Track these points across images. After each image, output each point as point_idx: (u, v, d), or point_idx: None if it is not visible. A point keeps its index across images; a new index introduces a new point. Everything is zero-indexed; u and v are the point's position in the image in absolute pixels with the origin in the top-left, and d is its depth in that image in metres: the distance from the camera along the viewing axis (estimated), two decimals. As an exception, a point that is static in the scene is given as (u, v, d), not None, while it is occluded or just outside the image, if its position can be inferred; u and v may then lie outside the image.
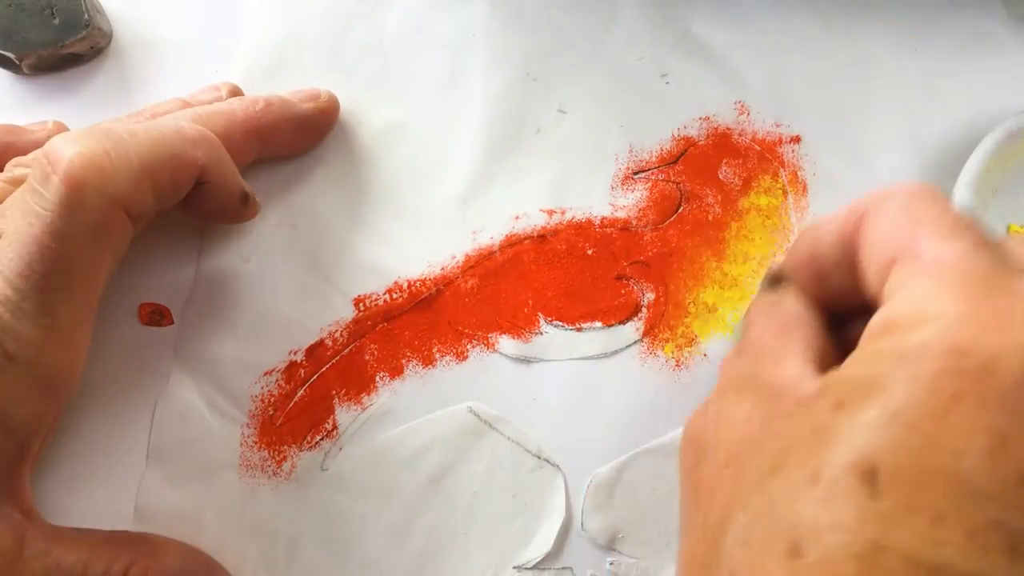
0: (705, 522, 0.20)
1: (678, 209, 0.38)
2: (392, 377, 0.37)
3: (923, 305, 0.18)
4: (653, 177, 0.39)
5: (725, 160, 0.39)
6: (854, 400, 0.17)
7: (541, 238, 0.38)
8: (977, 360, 0.16)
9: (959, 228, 0.19)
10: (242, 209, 0.35)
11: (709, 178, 0.39)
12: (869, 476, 0.16)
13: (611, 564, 0.35)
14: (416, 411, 0.37)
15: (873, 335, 0.19)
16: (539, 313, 0.38)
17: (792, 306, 0.24)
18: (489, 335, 0.37)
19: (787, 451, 0.18)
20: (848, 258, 0.22)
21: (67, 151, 0.28)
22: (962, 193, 0.34)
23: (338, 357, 0.37)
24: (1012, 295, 0.17)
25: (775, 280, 0.26)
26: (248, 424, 0.37)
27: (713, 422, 0.21)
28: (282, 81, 0.40)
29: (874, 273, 0.21)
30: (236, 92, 0.39)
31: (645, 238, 0.38)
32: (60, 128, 0.37)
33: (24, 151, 0.35)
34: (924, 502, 0.16)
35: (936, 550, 0.16)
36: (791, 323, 0.23)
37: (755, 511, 0.18)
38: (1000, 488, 0.16)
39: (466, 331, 0.38)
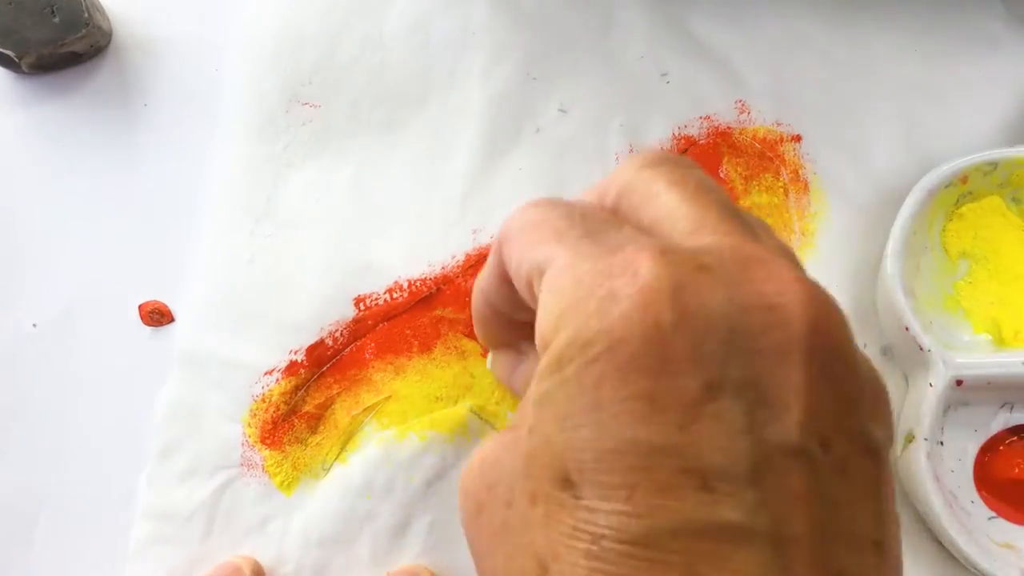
0: (480, 568, 0.21)
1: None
2: (392, 376, 0.37)
3: (556, 316, 0.19)
4: (654, 176, 0.39)
5: (726, 159, 0.39)
6: (536, 420, 0.19)
7: (541, 237, 0.38)
8: (601, 344, 0.17)
9: (566, 226, 0.21)
10: None
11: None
12: (566, 482, 0.17)
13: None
14: (417, 410, 0.37)
15: (539, 352, 0.20)
16: (539, 313, 0.37)
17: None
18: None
19: (512, 483, 0.20)
20: (511, 289, 0.24)
21: None
22: (892, 262, 0.35)
23: (338, 357, 0.37)
24: (610, 274, 0.18)
25: None
26: (249, 424, 0.37)
27: (465, 476, 0.22)
28: (278, 77, 0.40)
29: (527, 296, 0.22)
30: (258, 571, 0.36)
31: (645, 238, 0.38)
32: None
33: None
34: (614, 483, 0.17)
35: (641, 520, 0.17)
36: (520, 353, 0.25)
37: (506, 552, 0.19)
38: (666, 439, 0.17)
39: (466, 332, 0.38)
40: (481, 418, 0.37)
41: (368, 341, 0.38)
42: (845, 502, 0.17)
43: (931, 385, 0.33)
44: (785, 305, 0.17)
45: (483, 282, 0.25)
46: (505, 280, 0.24)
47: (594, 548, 0.17)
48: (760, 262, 0.18)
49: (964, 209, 0.37)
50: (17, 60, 0.39)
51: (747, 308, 0.17)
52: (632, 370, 0.17)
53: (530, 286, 0.21)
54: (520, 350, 0.27)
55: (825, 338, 0.17)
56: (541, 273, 0.20)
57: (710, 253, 0.18)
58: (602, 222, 0.21)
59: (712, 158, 0.39)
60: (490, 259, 0.24)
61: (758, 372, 0.17)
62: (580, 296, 0.18)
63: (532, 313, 0.21)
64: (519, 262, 0.22)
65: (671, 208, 0.20)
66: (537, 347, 0.20)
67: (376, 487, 0.36)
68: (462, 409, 0.37)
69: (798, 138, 0.39)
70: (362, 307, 0.38)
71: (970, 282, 0.37)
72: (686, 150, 0.39)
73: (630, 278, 0.18)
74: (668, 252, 0.18)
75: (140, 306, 0.38)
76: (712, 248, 0.19)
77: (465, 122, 0.39)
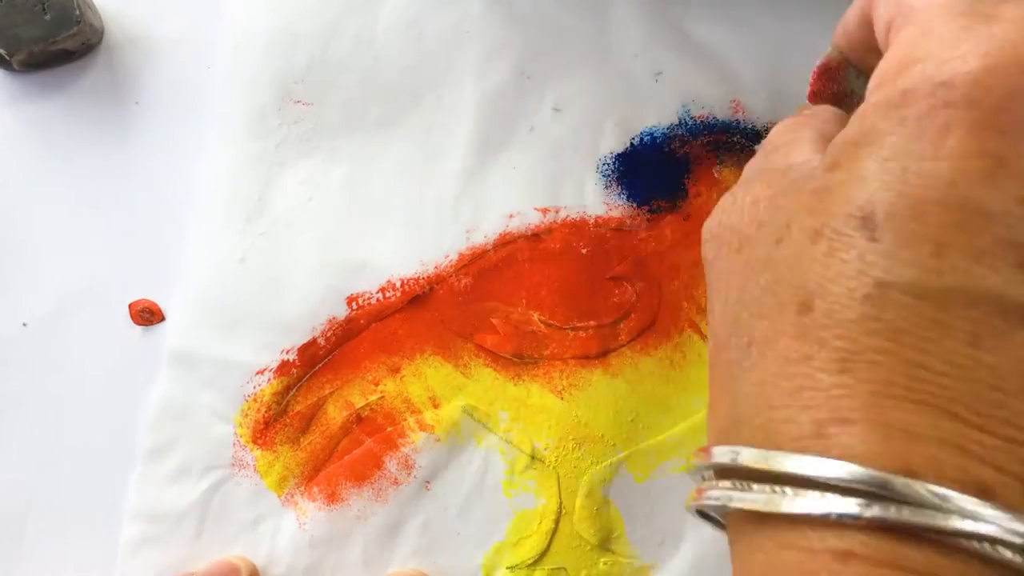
0: (724, 306, 0.20)
1: (672, 209, 0.38)
2: (385, 376, 0.37)
3: (908, 52, 0.17)
4: (648, 176, 0.39)
5: (721, 159, 0.39)
6: (848, 157, 0.18)
7: (535, 237, 0.38)
8: (961, 89, 0.16)
9: None
10: None
11: (704, 177, 0.39)
12: (867, 221, 0.16)
13: (604, 563, 0.35)
14: (410, 411, 0.37)
15: (869, 93, 0.19)
16: (533, 312, 0.37)
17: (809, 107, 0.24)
18: (480, 336, 0.37)
19: (790, 220, 0.18)
20: (870, 31, 0.22)
21: None
22: None
23: (331, 356, 0.37)
24: (993, 19, 0.17)
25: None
26: (240, 423, 0.37)
27: (727, 213, 0.21)
28: (271, 75, 0.39)
29: (882, 40, 0.20)
30: (254, 573, 0.36)
31: (639, 237, 0.38)
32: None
33: None
34: (924, 234, 0.16)
35: (942, 277, 0.16)
36: (804, 118, 0.23)
37: (765, 282, 0.18)
38: (1003, 207, 0.16)
39: (460, 331, 0.37)
40: (474, 418, 0.36)
41: (361, 340, 0.37)
42: None
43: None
44: None
45: (845, 19, 0.23)
46: (865, 22, 0.22)
47: (875, 293, 0.16)
48: None
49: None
50: (8, 58, 0.39)
51: None
52: (987, 126, 0.16)
53: (888, 27, 0.20)
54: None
55: None
56: (907, 12, 0.18)
57: None
58: None
59: (706, 158, 0.39)
60: (856, 5, 0.22)
61: None
62: (949, 33, 0.17)
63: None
64: (884, 3, 0.20)
65: None
66: (869, 89, 0.18)
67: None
68: (455, 409, 0.36)
69: (792, 138, 0.39)
70: (354, 306, 0.38)
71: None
72: (681, 149, 0.39)
73: (1012, 24, 0.16)
74: None
75: (130, 305, 0.38)
76: None
77: (458, 121, 0.39)
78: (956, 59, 0.16)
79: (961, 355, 0.16)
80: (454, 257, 0.38)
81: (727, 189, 0.38)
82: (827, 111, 0.23)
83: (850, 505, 0.16)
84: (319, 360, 0.37)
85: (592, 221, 0.38)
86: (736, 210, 0.21)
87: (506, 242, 0.38)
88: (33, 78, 0.40)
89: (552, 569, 0.36)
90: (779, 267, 0.18)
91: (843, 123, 0.21)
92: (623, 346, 0.37)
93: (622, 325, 0.37)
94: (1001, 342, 0.15)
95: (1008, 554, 0.15)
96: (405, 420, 0.37)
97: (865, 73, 0.23)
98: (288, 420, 0.37)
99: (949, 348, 0.16)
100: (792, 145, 0.22)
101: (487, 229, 0.38)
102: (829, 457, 0.16)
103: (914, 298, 0.16)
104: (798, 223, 0.18)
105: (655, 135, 0.39)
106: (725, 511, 0.19)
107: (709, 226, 0.22)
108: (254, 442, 0.36)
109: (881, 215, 0.16)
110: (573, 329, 0.37)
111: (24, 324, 0.38)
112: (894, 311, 0.16)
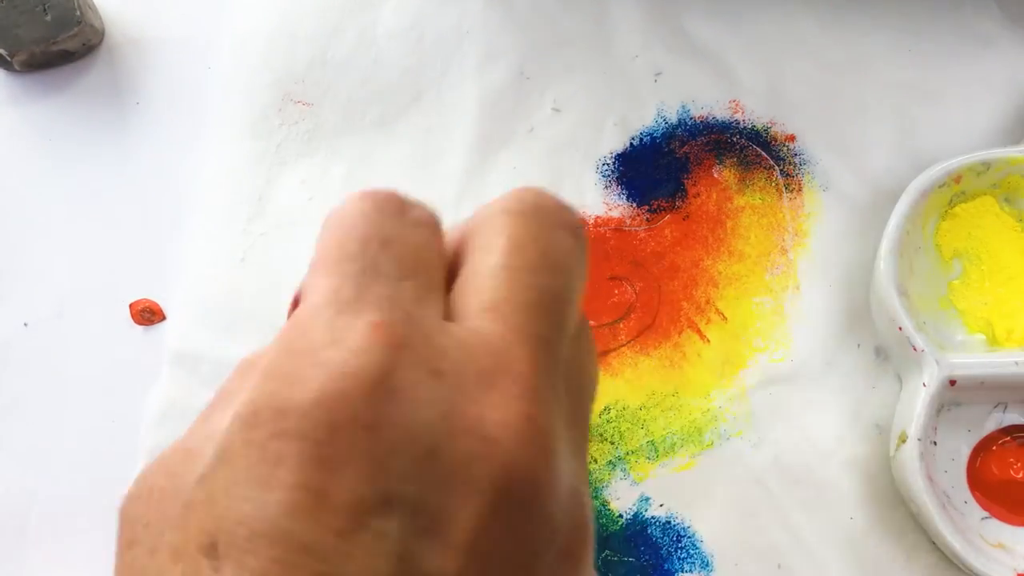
0: None
1: (672, 208, 0.38)
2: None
3: (267, 360, 0.17)
4: (647, 176, 0.39)
5: (720, 159, 0.39)
6: (210, 473, 0.17)
7: (535, 237, 0.38)
8: (294, 420, 0.16)
9: (355, 251, 0.18)
10: None
11: (703, 177, 0.39)
12: (212, 549, 0.16)
13: (605, 554, 0.35)
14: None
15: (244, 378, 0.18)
16: (533, 312, 0.37)
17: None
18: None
19: (162, 529, 0.18)
20: None
21: None
22: (885, 262, 0.35)
23: (331, 356, 0.37)
24: (334, 340, 0.16)
25: None
26: (240, 423, 0.36)
27: (143, 494, 0.20)
28: (271, 75, 0.39)
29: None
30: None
31: (639, 238, 0.38)
32: None
33: None
34: (253, 568, 0.16)
35: None
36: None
37: None
38: (322, 541, 0.15)
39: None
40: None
41: (361, 340, 0.37)
42: None
43: (924, 385, 0.33)
44: (499, 441, 0.16)
45: None
46: None
47: None
48: (506, 378, 0.17)
49: (957, 209, 0.37)
50: (9, 58, 0.39)
51: (459, 433, 0.16)
52: (312, 459, 0.16)
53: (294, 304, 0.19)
54: None
55: (523, 488, 0.16)
56: (299, 301, 0.18)
57: (456, 355, 0.17)
58: (396, 260, 0.18)
59: (706, 158, 0.39)
60: None
61: (439, 501, 0.16)
62: (298, 351, 0.16)
63: None
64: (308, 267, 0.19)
65: (486, 272, 0.18)
66: (249, 372, 0.18)
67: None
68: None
69: (792, 138, 0.39)
70: (355, 306, 0.37)
71: (963, 282, 0.37)
72: (681, 149, 0.39)
73: (349, 355, 0.16)
74: (406, 346, 0.16)
75: (131, 304, 0.38)
76: (467, 343, 0.17)
77: (458, 121, 0.39)
78: (295, 384, 0.16)
79: None
80: (454, 257, 0.38)
81: (726, 190, 0.38)
82: None
83: None
84: (319, 360, 0.37)
85: (592, 221, 0.38)
86: (136, 497, 0.19)
87: (506, 242, 0.38)
88: (34, 78, 0.41)
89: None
90: None
91: None
92: (623, 346, 0.37)
93: (622, 325, 0.37)
94: None
95: None
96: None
97: None
98: (288, 420, 0.37)
99: None
100: (216, 407, 0.19)
101: (487, 229, 0.38)
102: None
103: None
104: (167, 537, 0.17)
105: (655, 135, 0.39)
106: None
107: (120, 507, 0.20)
108: (254, 442, 0.36)
109: (223, 545, 0.16)
110: (573, 329, 0.37)
111: (25, 324, 0.38)
112: None
